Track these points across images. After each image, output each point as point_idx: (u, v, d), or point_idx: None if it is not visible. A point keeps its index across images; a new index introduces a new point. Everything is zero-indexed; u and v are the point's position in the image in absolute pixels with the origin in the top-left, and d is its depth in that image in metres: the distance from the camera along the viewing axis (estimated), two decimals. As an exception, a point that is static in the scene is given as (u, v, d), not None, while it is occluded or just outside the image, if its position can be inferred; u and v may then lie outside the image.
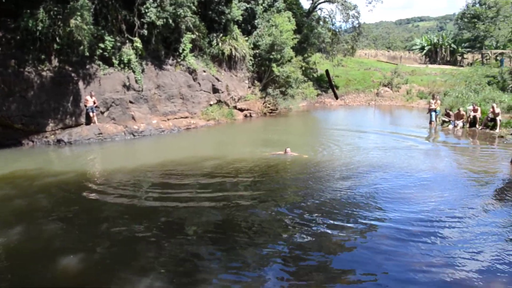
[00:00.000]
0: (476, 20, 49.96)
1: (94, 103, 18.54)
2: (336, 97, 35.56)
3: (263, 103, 26.99)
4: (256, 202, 9.74)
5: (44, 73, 17.42)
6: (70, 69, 18.29)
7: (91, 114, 18.59)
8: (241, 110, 25.79)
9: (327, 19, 38.98)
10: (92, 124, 18.69)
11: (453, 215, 8.77)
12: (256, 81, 28.21)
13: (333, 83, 36.42)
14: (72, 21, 16.92)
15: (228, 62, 25.89)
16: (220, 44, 24.96)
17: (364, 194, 10.15)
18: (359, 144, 17.13)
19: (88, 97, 18.39)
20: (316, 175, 12.11)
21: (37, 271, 6.75)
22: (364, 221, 8.45)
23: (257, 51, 27.65)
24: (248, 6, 27.51)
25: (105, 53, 19.12)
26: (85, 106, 18.45)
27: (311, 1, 38.11)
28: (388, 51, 63.93)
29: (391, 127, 22.31)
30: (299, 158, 14.27)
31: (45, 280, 6.49)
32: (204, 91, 23.72)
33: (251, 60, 27.53)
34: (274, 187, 11.13)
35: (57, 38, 17.21)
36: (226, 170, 12.84)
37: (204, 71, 23.87)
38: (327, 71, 36.88)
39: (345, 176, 11.99)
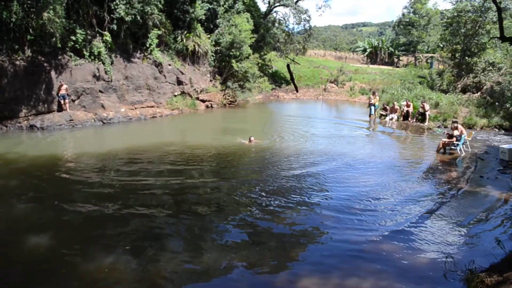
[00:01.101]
0: (410, 27, 51.60)
1: (66, 90, 17.99)
2: (297, 90, 35.86)
3: (223, 95, 26.94)
4: (215, 186, 9.81)
5: (17, 63, 16.71)
6: (42, 59, 17.64)
7: (62, 101, 18.03)
8: (203, 101, 25.66)
9: (281, 21, 39.18)
10: (64, 111, 18.13)
11: (386, 196, 9.22)
12: (217, 75, 28.10)
13: (293, 77, 36.68)
14: (45, 14, 16.28)
15: (192, 57, 25.65)
16: (184, 40, 24.67)
17: (310, 178, 10.48)
18: (308, 133, 17.52)
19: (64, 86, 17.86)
20: (270, 161, 12.33)
21: (8, 249, 6.58)
22: (310, 201, 8.75)
23: (218, 48, 27.52)
24: (210, 6, 27.27)
25: (77, 45, 18.54)
26: (58, 94, 17.88)
27: (267, 4, 38.15)
28: (335, 52, 64.95)
29: (336, 118, 22.91)
30: (259, 144, 14.45)
31: (15, 256, 6.35)
32: (169, 83, 23.44)
33: (212, 56, 27.37)
34: (233, 171, 11.27)
35: (31, 30, 16.53)
36: (189, 155, 12.85)
37: (170, 65, 23.57)
38: (288, 66, 37.08)
39: (295, 161, 12.29)
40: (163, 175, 10.54)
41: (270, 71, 37.34)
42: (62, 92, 17.85)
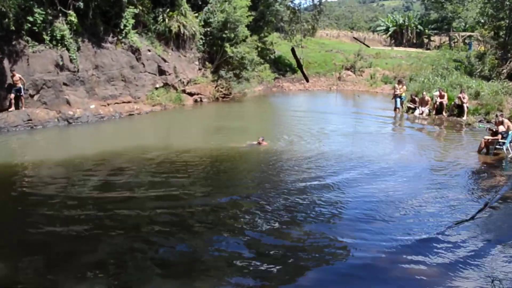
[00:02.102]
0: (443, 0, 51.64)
1: (22, 82, 17.86)
2: (307, 80, 35.88)
3: (215, 87, 26.99)
4: (207, 199, 9.71)
5: (-39, 50, 16.76)
6: (-7, 45, 17.66)
7: (12, 96, 17.84)
8: (191, 94, 25.70)
9: (285, -5, 39.29)
10: (19, 109, 18.12)
11: (414, 209, 9.18)
12: (207, 63, 28.11)
13: (301, 63, 36.68)
14: (-5, -10, 16.31)
15: (176, 40, 25.67)
16: (166, 20, 24.69)
17: (325, 186, 10.44)
18: (321, 132, 17.55)
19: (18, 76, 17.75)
20: (275, 166, 12.33)
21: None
22: (322, 217, 8.70)
23: (208, 29, 27.53)
24: (198, -22, 27.39)
25: (35, 28, 18.51)
26: (14, 87, 17.78)
27: (267, -26, 38.27)
28: (352, 32, 65.16)
29: (354, 113, 22.92)
30: (268, 147, 14.52)
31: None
32: (149, 72, 23.48)
33: (201, 39, 27.39)
34: (228, 181, 11.19)
35: (-23, 10, 16.56)
36: (175, 162, 12.79)
37: (149, 51, 23.60)
38: (292, 49, 37.13)
39: (305, 166, 12.27)
40: (143, 187, 10.50)
41: (272, 56, 37.37)
42: (19, 84, 17.78)
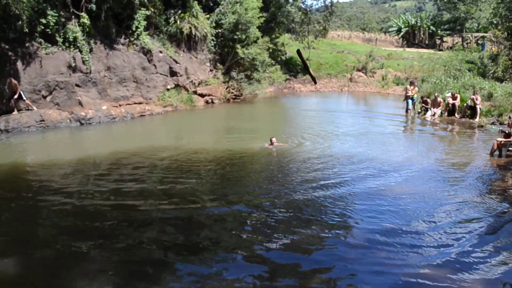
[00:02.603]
0: (456, 0, 51.22)
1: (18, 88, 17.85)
2: (315, 81, 35.84)
3: (226, 88, 27.04)
4: (220, 201, 9.59)
5: (-25, 52, 16.96)
6: (6, 47, 17.85)
7: (12, 101, 18.03)
8: (202, 95, 25.77)
9: (297, -4, 39.25)
10: (31, 110, 18.32)
11: (425, 212, 9.07)
12: (218, 64, 28.19)
13: (308, 65, 36.63)
14: (8, -8, 16.48)
15: (188, 42, 25.77)
16: (178, 22, 24.80)
17: (335, 192, 10.17)
18: (332, 132, 17.50)
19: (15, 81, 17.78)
20: (287, 169, 12.28)
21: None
22: (332, 225, 8.44)
23: (220, 31, 27.60)
24: (209, -21, 27.48)
25: (48, 30, 18.72)
26: (13, 96, 17.87)
27: (279, -24, 38.26)
28: (363, 33, 64.93)
29: (365, 115, 22.82)
30: (281, 148, 14.49)
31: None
32: (161, 74, 23.59)
33: (213, 40, 27.47)
34: (240, 183, 11.09)
35: (-9, 12, 16.76)
36: (185, 164, 12.80)
37: (161, 52, 23.71)
38: (298, 51, 37.10)
39: (316, 169, 12.11)
40: (153, 189, 10.50)
41: (283, 57, 37.38)
42: (19, 90, 17.82)
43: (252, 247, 7.41)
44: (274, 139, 14.45)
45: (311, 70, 36.38)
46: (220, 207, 9.30)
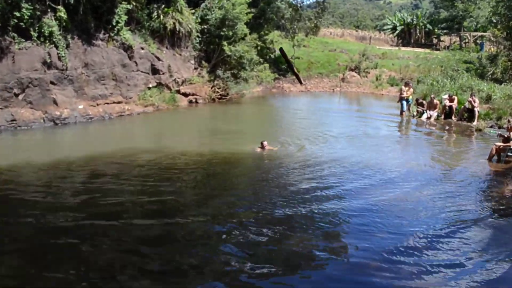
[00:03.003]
0: (454, -3, 51.66)
1: None
2: (300, 82, 35.96)
3: (212, 87, 26.99)
4: (203, 216, 9.17)
5: None
6: (-24, 41, 17.65)
7: None
8: (186, 95, 25.70)
9: (287, -9, 39.35)
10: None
11: (420, 219, 9.10)
12: (203, 62, 28.14)
13: (292, 64, 36.72)
14: (-21, -17, 16.33)
15: (171, 38, 25.66)
16: (161, 17, 24.69)
17: (327, 204, 10.00)
18: (323, 135, 17.51)
19: None
20: (276, 177, 12.11)
21: None
22: (324, 243, 8.26)
23: (205, 27, 27.55)
24: (195, -28, 27.43)
25: (22, 24, 18.48)
26: None
27: (268, -30, 38.34)
28: (357, 31, 65.19)
29: (359, 116, 22.95)
30: (272, 152, 14.43)
31: None
32: (142, 71, 23.48)
33: (198, 37, 27.40)
34: (226, 193, 10.74)
35: (-40, 3, 16.57)
36: (166, 168, 12.71)
37: (142, 48, 23.60)
38: (281, 50, 37.12)
39: (307, 178, 11.92)
40: (131, 196, 10.36)
41: (272, 55, 37.46)
42: None
43: (238, 275, 6.95)
44: (265, 143, 14.36)
45: (296, 70, 36.50)
46: (204, 223, 8.90)
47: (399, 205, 9.90)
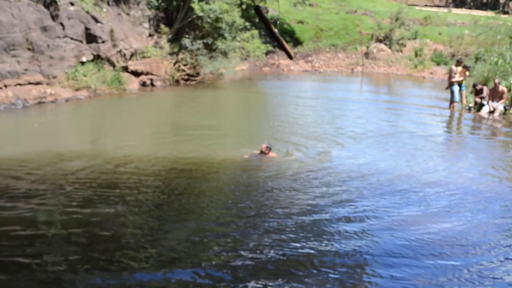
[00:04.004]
0: None
1: None
2: (290, 56, 36.00)
3: (175, 64, 26.98)
4: (157, 258, 8.54)
5: None
6: None
7: None
8: (136, 74, 25.68)
9: None
10: None
11: (480, 254, 9.15)
12: (162, 26, 28.12)
13: (274, 29, 36.69)
14: None
15: (115, -10, 25.74)
16: (101, -43, 24.72)
17: (344, 224, 10.19)
18: (338, 134, 17.57)
19: None
20: (265, 190, 12.11)
21: None
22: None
23: (166, -27, 27.63)
24: None
25: None
26: None
27: None
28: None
29: (389, 108, 23.01)
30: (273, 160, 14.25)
31: None
32: (72, 38, 23.39)
33: (154, -12, 27.52)
34: (192, 219, 10.54)
35: None
36: (106, 180, 12.54)
37: (72, 4, 23.52)
38: (257, 8, 37.01)
39: (312, 188, 12.09)
40: (53, 217, 10.31)
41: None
42: None
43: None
44: (265, 145, 14.00)
45: (282, 40, 36.37)
46: (155, 271, 8.26)
47: (441, 237, 9.85)
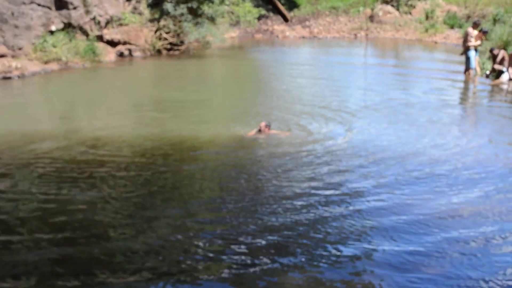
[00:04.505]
0: None
1: None
2: (285, 18, 35.92)
3: (156, 32, 26.89)
4: (140, 271, 8.43)
5: None
6: None
7: None
8: (113, 43, 25.60)
9: None
10: None
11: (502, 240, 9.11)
12: (141, -11, 28.07)
13: None
14: None
15: None
16: None
17: (347, 218, 10.06)
18: (340, 108, 17.43)
19: None
20: (257, 172, 12.07)
21: None
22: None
23: None
24: None
25: None
26: None
27: None
28: None
29: (397, 78, 22.98)
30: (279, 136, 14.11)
31: None
32: (40, 5, 23.26)
33: None
34: (181, 209, 10.51)
35: None
36: (82, 163, 12.38)
37: (39, -34, 23.42)
38: None
39: (310, 170, 11.98)
40: (22, 203, 10.28)
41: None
42: None
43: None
44: (265, 123, 13.92)
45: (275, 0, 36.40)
46: (139, 268, 7.97)
47: (463, 226, 9.83)
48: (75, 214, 9.72)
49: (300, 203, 10.16)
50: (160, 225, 9.29)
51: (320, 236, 9.05)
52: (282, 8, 36.25)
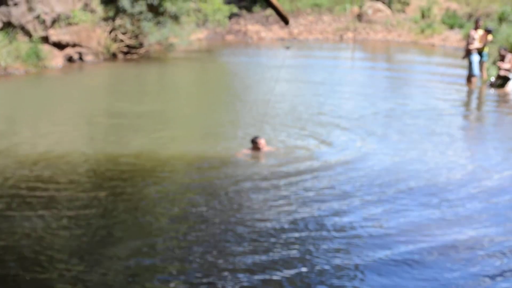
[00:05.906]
0: None
1: None
2: (285, 21, 36.04)
3: (110, 32, 26.87)
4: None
5: None
6: None
7: None
8: (61, 46, 25.55)
9: None
10: None
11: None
12: (93, -16, 28.04)
13: None
14: None
15: None
16: None
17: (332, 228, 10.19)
18: (335, 118, 17.62)
19: None
20: (227, 194, 11.97)
21: None
22: None
23: None
24: None
25: None
26: None
27: None
28: None
29: (390, 84, 23.07)
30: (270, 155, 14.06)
31: None
32: (-26, 1, 23.20)
33: None
34: (136, 239, 10.54)
35: None
36: (21, 183, 12.25)
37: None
38: None
39: (292, 192, 11.98)
40: None
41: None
42: None
43: None
44: (261, 140, 13.68)
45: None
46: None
47: (460, 244, 9.82)
48: (13, 245, 9.44)
49: (273, 224, 10.11)
50: (109, 264, 9.10)
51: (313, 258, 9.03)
52: (281, 8, 36.19)
